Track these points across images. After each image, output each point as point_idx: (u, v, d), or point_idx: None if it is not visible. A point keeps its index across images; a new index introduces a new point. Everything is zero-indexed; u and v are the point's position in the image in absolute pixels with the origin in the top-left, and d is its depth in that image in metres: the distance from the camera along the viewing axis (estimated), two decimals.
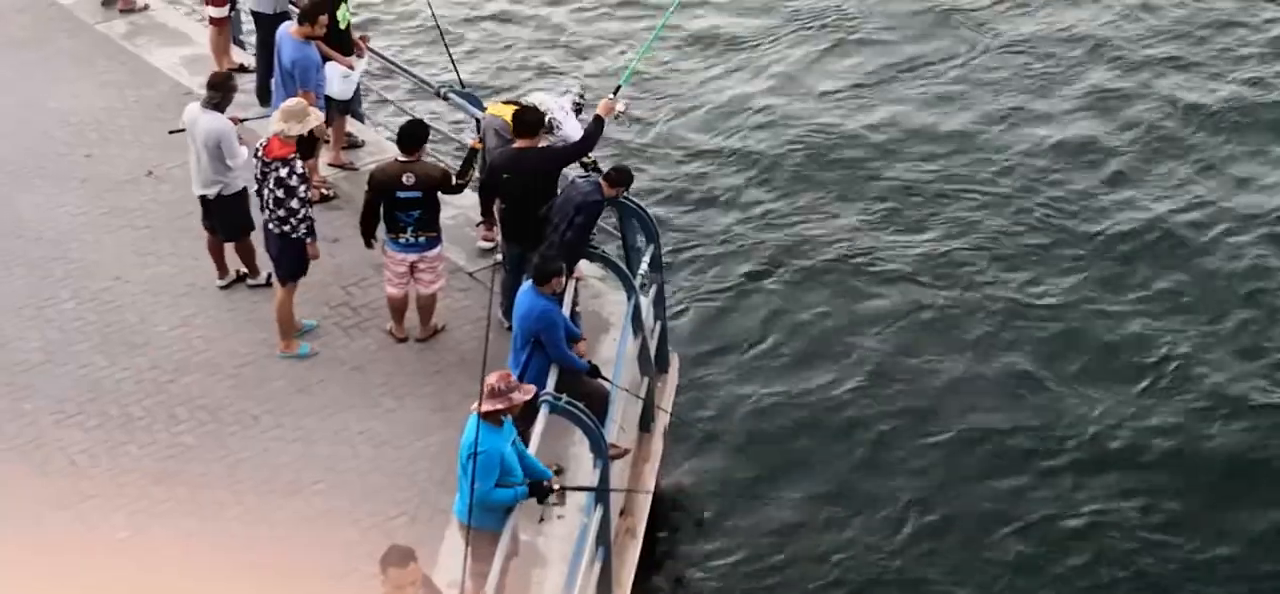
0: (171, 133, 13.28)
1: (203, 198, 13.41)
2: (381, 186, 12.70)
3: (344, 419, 12.42)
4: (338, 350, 13.17)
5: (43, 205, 15.00)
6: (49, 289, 13.81)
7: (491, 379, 9.87)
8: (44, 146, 16.00)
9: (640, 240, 13.74)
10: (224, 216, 13.47)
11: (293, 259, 12.77)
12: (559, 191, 12.79)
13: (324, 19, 14.49)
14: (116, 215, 14.75)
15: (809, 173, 19.61)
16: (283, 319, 13.07)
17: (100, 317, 13.47)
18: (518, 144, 12.91)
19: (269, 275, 13.35)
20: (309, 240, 12.70)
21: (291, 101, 12.91)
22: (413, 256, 12.86)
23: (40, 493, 11.62)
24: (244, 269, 13.81)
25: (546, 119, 13.23)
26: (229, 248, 13.74)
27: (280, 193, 12.41)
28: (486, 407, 9.79)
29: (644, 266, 13.34)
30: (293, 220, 12.51)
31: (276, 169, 12.40)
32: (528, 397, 10.18)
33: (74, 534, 11.25)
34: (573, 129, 13.74)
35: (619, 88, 13.62)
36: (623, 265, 13.25)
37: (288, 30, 14.57)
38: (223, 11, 17.14)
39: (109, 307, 13.59)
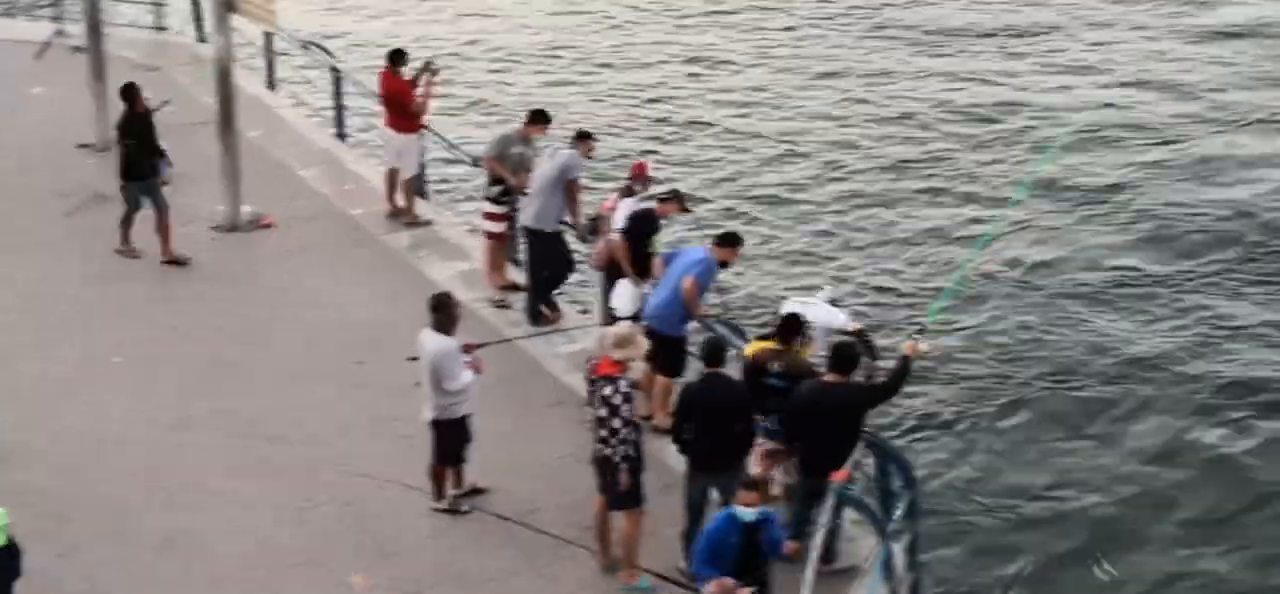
0: (410, 360, 13.55)
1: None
2: (751, 369, 13.04)
3: None
4: (587, 575, 13.05)
5: (315, 406, 15.42)
6: (311, 490, 14.09)
7: (708, 588, 10.30)
8: (321, 349, 16.52)
9: (897, 485, 13.40)
10: (442, 441, 13.58)
11: (625, 486, 12.56)
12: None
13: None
14: (381, 425, 15.04)
15: None
16: (628, 548, 12.79)
17: (356, 522, 13.66)
18: (827, 379, 12.81)
19: (473, 485, 13.87)
20: (622, 468, 12.44)
21: (623, 326, 12.97)
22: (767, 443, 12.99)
23: None
24: (460, 490, 13.91)
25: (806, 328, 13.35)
26: None
27: (603, 411, 12.35)
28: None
29: (898, 512, 12.99)
30: (614, 441, 12.35)
31: (602, 387, 12.38)
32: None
33: None
34: (832, 318, 13.68)
35: (923, 328, 13.41)
36: (876, 508, 12.92)
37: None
38: (500, 228, 17.58)
39: (366, 512, 13.78)
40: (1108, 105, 27.29)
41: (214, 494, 14.00)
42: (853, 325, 14.55)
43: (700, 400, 12.69)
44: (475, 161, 19.18)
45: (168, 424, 15.11)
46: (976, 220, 23.51)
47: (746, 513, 11.23)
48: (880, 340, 17.46)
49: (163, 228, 18.24)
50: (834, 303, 14.40)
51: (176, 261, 18.24)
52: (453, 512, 13.77)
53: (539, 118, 17.54)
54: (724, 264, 14.82)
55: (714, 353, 12.82)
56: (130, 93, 18.21)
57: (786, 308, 13.96)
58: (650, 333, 14.61)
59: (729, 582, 10.22)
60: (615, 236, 15.70)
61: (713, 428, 12.57)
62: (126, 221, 18.40)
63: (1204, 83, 29.74)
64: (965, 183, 25.49)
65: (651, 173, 16.35)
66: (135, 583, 12.77)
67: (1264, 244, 22.85)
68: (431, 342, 13.27)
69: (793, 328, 13.33)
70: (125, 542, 13.31)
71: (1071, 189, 24.83)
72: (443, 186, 22.65)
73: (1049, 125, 27.30)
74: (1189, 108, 28.47)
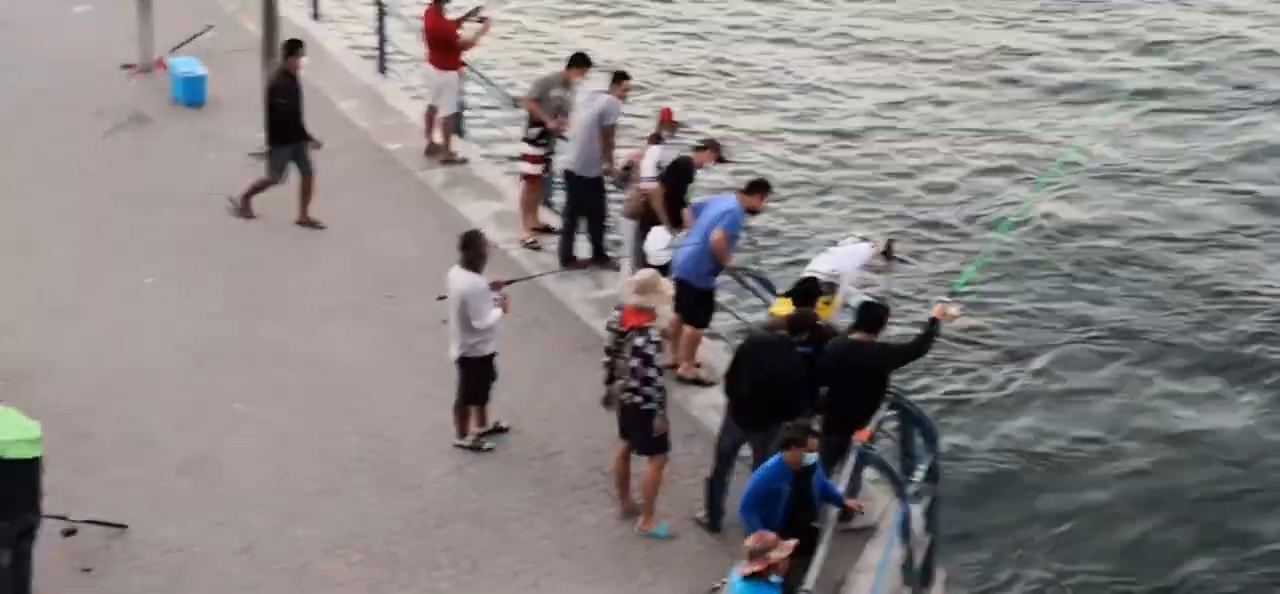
0: (439, 299, 13.58)
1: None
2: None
3: (601, 589, 12.30)
4: (605, 518, 13.11)
5: (343, 339, 15.48)
6: (336, 421, 14.15)
7: (749, 541, 9.91)
8: (351, 282, 16.56)
9: (919, 446, 13.36)
10: (468, 378, 13.59)
11: (650, 432, 12.62)
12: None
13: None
14: (408, 360, 15.07)
15: None
16: (649, 493, 12.86)
17: (379, 454, 13.72)
18: (855, 336, 12.78)
19: (495, 424, 13.83)
20: (658, 414, 12.53)
21: (644, 273, 12.93)
22: None
23: None
24: (484, 429, 13.92)
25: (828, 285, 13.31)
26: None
27: (636, 362, 12.35)
28: (746, 570, 9.75)
29: (919, 474, 12.95)
30: (647, 388, 12.40)
31: (633, 338, 12.38)
32: (786, 553, 9.91)
33: None
34: (860, 255, 13.70)
35: (954, 291, 13.33)
36: (896, 469, 12.88)
37: None
38: (537, 170, 17.56)
39: (389, 445, 13.84)
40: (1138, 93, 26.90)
41: (238, 420, 14.07)
42: (878, 246, 14.47)
43: (756, 368, 12.54)
44: (515, 103, 19.13)
45: (195, 349, 15.18)
46: (1016, 183, 23.40)
47: (806, 457, 11.29)
48: (907, 304, 17.48)
49: (306, 190, 17.77)
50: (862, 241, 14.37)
51: (312, 224, 17.77)
52: (475, 449, 13.80)
53: (580, 61, 17.49)
54: (752, 212, 14.76)
55: (799, 324, 12.71)
56: (296, 50, 17.63)
57: (813, 265, 13.89)
58: (680, 284, 14.59)
59: (770, 535, 10.13)
60: (650, 184, 15.65)
61: (763, 389, 12.49)
62: (262, 188, 17.81)
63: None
64: (1007, 147, 25.29)
65: (678, 119, 16.25)
66: (156, 503, 12.84)
67: None
68: (460, 279, 13.28)
69: (810, 293, 13.25)
70: (147, 463, 13.39)
71: (1113, 162, 24.61)
72: (480, 126, 22.58)
73: (1095, 96, 27.02)
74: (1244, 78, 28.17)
